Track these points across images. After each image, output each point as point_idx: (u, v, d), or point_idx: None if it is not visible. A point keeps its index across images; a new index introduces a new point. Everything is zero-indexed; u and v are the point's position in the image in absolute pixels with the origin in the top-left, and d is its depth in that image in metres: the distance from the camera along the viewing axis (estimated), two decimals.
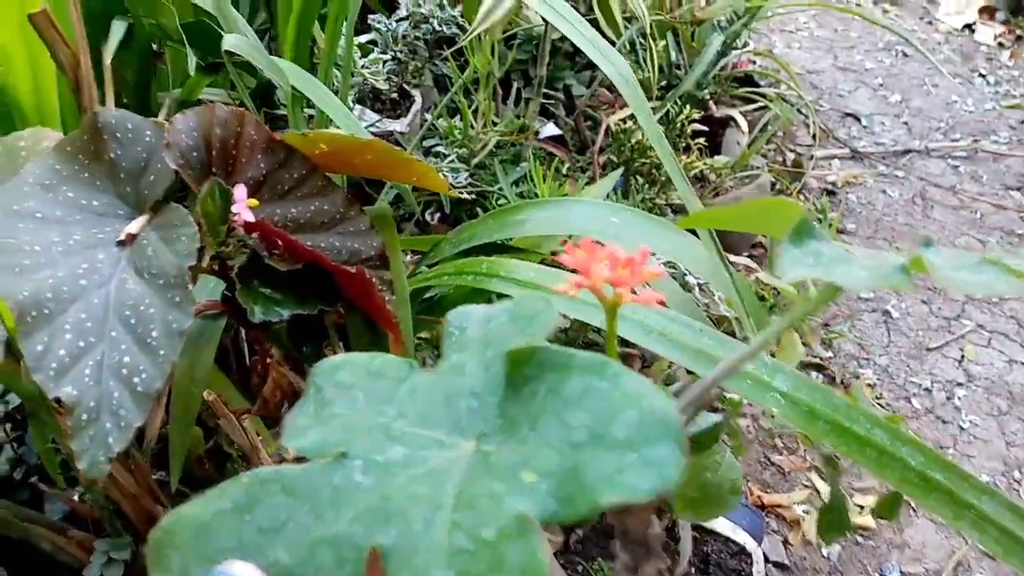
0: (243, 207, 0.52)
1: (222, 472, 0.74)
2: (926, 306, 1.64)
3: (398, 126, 1.37)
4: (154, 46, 0.89)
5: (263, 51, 0.70)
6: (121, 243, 0.51)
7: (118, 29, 0.74)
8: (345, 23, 0.92)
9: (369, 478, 0.25)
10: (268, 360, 0.76)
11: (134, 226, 0.52)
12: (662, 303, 0.30)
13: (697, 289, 1.04)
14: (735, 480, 0.65)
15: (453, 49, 1.20)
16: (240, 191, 0.53)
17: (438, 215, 1.34)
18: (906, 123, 2.27)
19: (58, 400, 0.42)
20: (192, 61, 0.72)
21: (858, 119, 2.27)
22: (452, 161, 1.26)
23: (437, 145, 1.30)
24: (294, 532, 0.25)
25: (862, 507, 1.12)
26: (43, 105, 0.67)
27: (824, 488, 1.18)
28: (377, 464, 0.26)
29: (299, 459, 0.30)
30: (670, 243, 0.74)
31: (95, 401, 0.43)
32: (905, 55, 2.63)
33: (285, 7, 0.80)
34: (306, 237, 0.60)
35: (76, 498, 0.74)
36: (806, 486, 1.15)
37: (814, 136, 2.06)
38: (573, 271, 0.30)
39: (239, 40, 0.69)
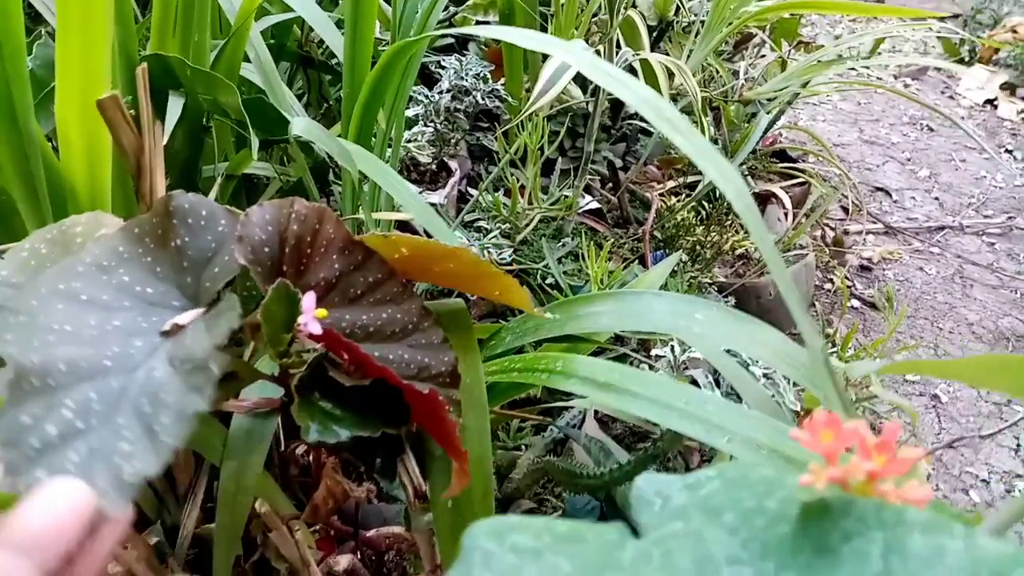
0: (311, 318, 0.47)
1: None
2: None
3: (436, 198, 1.34)
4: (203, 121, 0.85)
5: (331, 136, 0.66)
6: (165, 333, 0.45)
7: (175, 107, 0.70)
8: (399, 105, 0.88)
9: None
10: (321, 464, 0.70)
11: (184, 318, 0.46)
12: (922, 502, 0.24)
13: (763, 379, 0.98)
14: None
15: (506, 127, 1.17)
16: (308, 300, 0.47)
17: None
18: (937, 198, 2.24)
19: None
20: (255, 142, 0.67)
21: (888, 194, 2.24)
22: (495, 237, 1.22)
23: (479, 220, 1.26)
24: None
25: None
26: (97, 190, 0.62)
27: None
28: None
29: None
30: (762, 345, 0.68)
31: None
32: (930, 129, 2.62)
33: (351, 93, 0.76)
34: (374, 347, 0.54)
35: None
36: None
37: (846, 210, 2.03)
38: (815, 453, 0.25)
39: (308, 124, 0.65)
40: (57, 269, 0.46)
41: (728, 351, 0.98)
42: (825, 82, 1.63)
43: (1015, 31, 2.95)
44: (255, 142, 0.67)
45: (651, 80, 1.34)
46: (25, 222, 0.58)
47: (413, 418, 0.54)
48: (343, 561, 0.71)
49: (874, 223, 2.07)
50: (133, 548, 0.64)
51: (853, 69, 2.58)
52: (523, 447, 1.07)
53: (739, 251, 1.39)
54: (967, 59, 3.11)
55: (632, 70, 1.39)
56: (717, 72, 1.53)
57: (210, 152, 0.93)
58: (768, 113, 1.40)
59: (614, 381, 0.66)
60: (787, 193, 1.63)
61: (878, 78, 2.94)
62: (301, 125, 0.65)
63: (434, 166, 1.40)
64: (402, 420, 0.53)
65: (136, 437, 0.38)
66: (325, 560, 0.72)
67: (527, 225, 1.22)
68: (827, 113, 2.71)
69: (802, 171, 1.66)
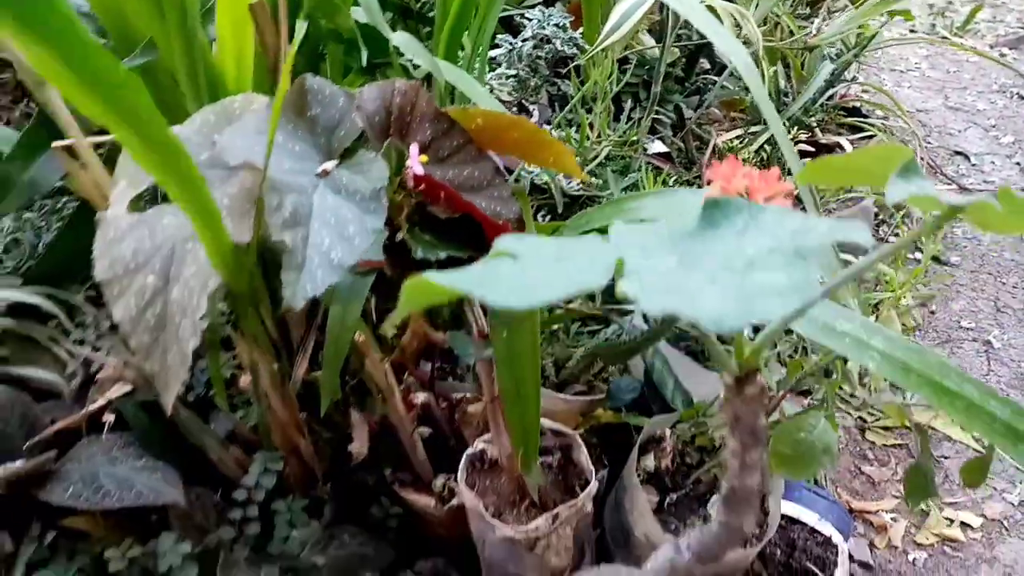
0: (416, 161, 0.63)
1: (363, 406, 0.84)
2: None
3: None
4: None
5: (423, 49, 0.81)
6: (319, 175, 0.62)
7: (301, 29, 0.87)
8: (482, 36, 1.03)
9: None
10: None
11: (329, 165, 0.63)
12: (791, 197, 0.37)
13: None
14: (828, 442, 0.71)
15: (576, 63, 1.30)
16: (414, 148, 0.63)
17: (548, 218, 1.44)
18: (1018, 163, 2.24)
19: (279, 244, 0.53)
20: (364, 54, 0.83)
21: (967, 157, 2.25)
22: None
23: None
24: None
25: (951, 520, 1.13)
26: (241, 80, 0.80)
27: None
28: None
29: None
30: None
31: (302, 256, 0.54)
32: (1021, 98, 2.59)
33: (441, 15, 0.91)
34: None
35: (239, 418, 0.86)
36: (895, 496, 1.17)
37: None
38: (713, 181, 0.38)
39: (406, 38, 0.80)
40: (231, 130, 0.64)
41: None
42: (898, 39, 1.68)
43: None
44: (364, 53, 0.83)
45: None
46: (187, 101, 0.76)
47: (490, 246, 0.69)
48: (421, 396, 0.88)
49: (948, 184, 2.09)
50: (266, 373, 0.82)
51: (946, 38, 2.57)
52: (579, 347, 1.21)
53: (796, 194, 1.49)
54: None
55: None
56: (786, 25, 1.62)
57: (324, 77, 1.10)
58: (832, 62, 1.48)
59: None
60: (853, 146, 1.70)
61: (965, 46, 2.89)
62: (400, 39, 0.80)
63: (515, 109, 1.54)
64: (482, 248, 0.69)
65: (332, 238, 0.56)
66: (407, 398, 0.89)
67: (594, 158, 1.35)
68: (914, 80, 2.70)
69: (871, 125, 1.72)
